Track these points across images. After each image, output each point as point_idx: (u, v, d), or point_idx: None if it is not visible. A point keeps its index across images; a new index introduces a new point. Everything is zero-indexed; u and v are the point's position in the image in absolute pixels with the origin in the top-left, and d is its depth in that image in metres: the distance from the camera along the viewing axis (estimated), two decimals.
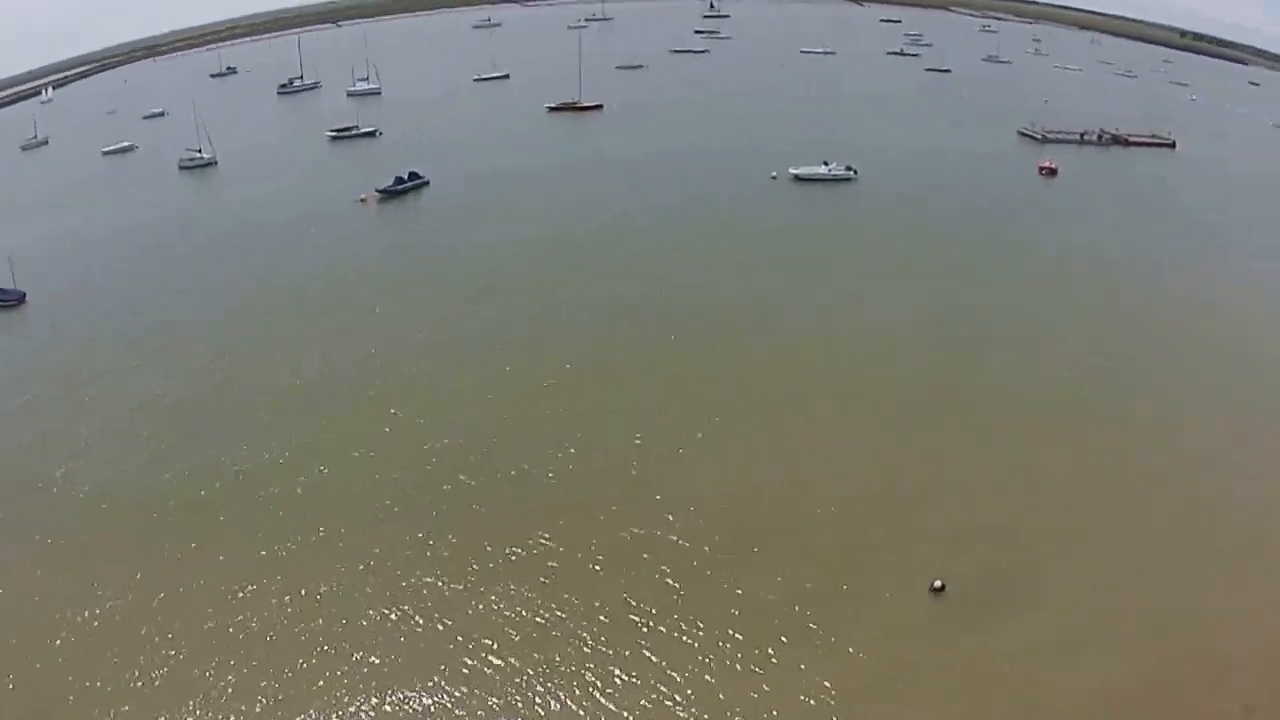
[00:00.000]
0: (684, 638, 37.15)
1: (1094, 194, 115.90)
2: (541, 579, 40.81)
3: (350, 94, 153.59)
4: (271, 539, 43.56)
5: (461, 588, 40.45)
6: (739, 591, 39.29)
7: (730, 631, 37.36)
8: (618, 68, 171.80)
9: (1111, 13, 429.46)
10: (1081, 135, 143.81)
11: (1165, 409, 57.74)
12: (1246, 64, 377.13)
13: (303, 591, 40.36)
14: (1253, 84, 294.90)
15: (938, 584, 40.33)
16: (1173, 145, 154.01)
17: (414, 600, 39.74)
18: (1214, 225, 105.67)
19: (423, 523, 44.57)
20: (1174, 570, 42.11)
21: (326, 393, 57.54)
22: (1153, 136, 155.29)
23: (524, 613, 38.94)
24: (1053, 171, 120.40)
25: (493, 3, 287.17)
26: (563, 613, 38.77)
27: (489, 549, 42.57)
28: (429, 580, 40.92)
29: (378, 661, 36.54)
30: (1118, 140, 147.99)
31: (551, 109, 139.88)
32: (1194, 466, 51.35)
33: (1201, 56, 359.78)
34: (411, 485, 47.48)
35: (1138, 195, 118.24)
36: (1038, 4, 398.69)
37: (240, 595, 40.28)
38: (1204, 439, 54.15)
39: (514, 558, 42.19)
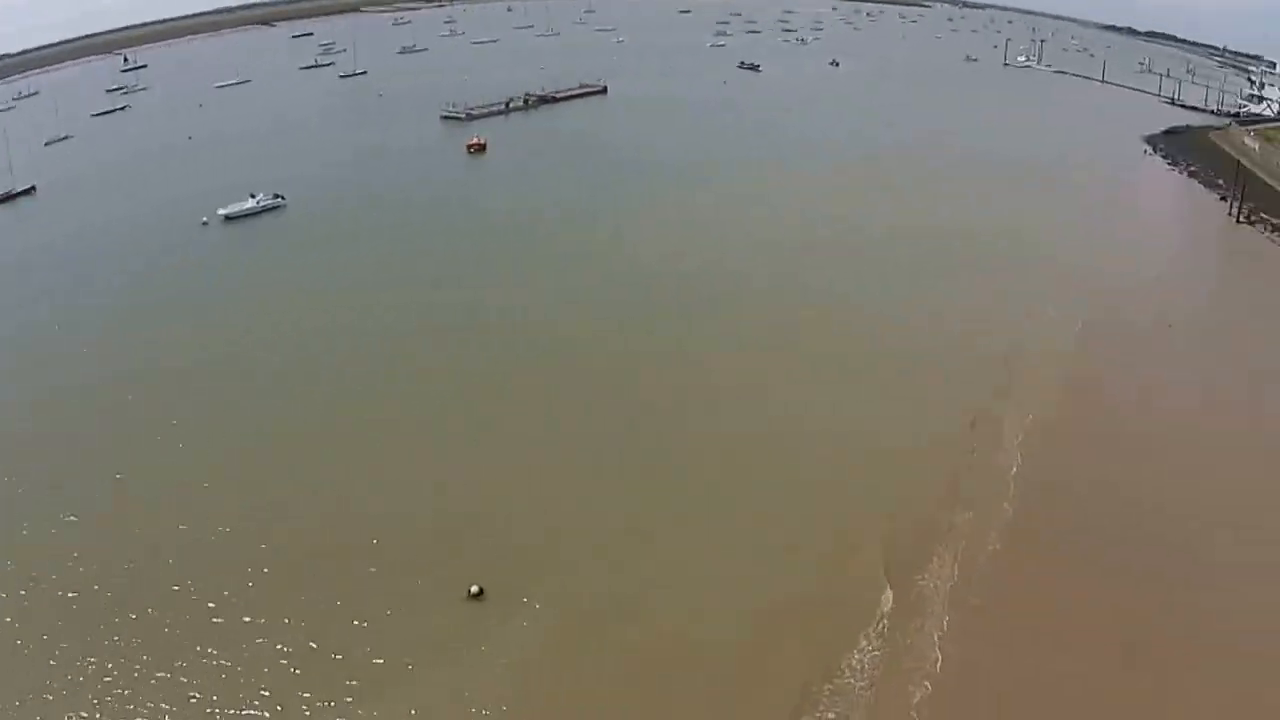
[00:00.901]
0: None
1: (524, 156, 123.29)
2: None
3: None
4: None
5: None
6: (314, 646, 37.49)
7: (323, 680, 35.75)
8: (46, 143, 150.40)
9: None
10: (506, 104, 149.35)
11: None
12: None
13: None
14: (683, 12, 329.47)
15: (474, 589, 39.56)
16: (604, 90, 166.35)
17: None
18: (641, 152, 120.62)
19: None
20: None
21: None
22: (582, 87, 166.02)
23: None
24: (482, 147, 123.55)
25: None
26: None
27: None
28: None
29: None
30: (545, 100, 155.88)
31: None
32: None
33: None
34: None
35: (566, 145, 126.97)
36: None
37: None
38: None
39: None
